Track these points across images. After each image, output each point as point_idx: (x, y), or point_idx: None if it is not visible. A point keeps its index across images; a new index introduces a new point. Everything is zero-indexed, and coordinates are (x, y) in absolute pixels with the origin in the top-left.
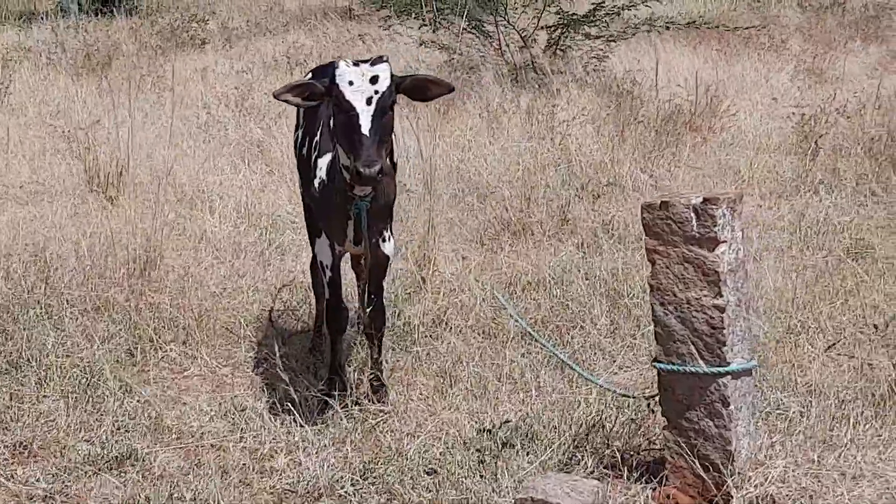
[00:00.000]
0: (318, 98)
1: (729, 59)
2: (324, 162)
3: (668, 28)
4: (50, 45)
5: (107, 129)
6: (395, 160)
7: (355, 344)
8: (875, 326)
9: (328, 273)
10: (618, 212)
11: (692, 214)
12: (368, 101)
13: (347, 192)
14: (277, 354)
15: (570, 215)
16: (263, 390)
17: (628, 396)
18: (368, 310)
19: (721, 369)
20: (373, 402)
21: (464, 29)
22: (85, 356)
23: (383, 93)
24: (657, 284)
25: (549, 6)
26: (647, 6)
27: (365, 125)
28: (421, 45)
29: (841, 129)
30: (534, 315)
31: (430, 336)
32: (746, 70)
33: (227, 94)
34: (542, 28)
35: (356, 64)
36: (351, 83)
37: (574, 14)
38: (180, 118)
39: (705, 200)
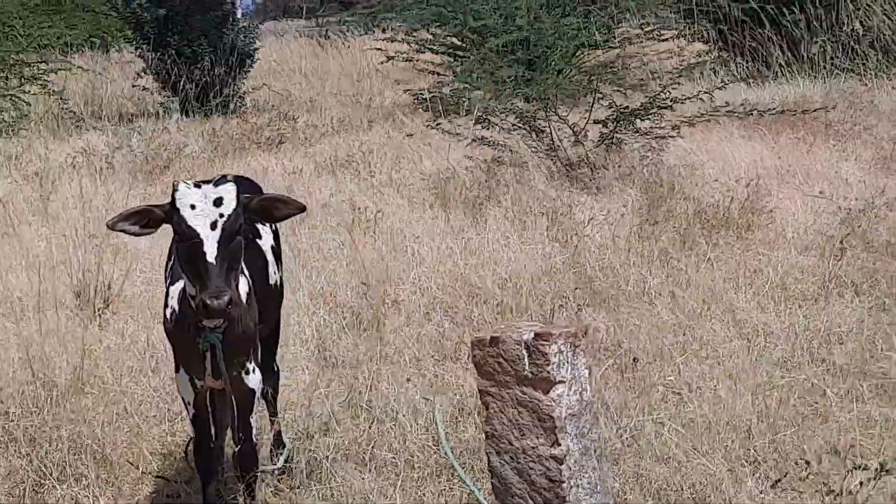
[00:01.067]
0: (157, 224)
1: (798, 146)
2: (175, 290)
3: (749, 114)
4: (113, 147)
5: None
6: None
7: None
8: (807, 462)
9: (191, 410)
10: (608, 323)
11: (524, 352)
12: (213, 226)
13: (197, 323)
14: None
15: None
16: None
17: None
18: (236, 450)
19: None
20: None
21: (513, 125)
22: None
23: (229, 216)
24: (491, 431)
25: (599, 101)
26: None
27: (210, 252)
28: (472, 142)
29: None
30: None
31: (341, 472)
32: (814, 160)
33: None
34: (595, 122)
35: (197, 185)
36: (193, 206)
37: (627, 107)
38: None
39: (537, 336)
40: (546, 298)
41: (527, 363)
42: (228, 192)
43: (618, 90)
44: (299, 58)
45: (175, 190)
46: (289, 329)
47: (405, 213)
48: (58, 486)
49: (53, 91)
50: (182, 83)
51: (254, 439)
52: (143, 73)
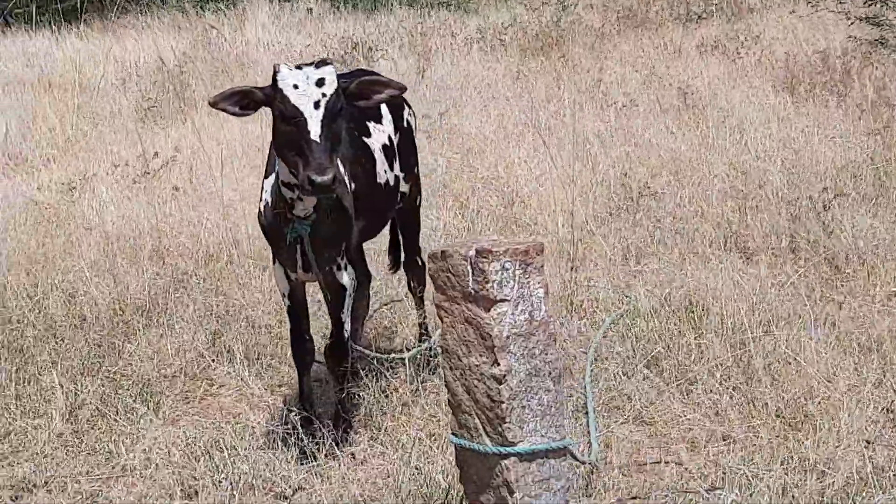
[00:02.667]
0: (256, 106)
1: None
2: (268, 183)
3: None
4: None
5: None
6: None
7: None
8: None
9: (286, 301)
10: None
11: (469, 268)
12: (316, 105)
13: (286, 213)
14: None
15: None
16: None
17: None
18: (327, 344)
19: (501, 449)
20: (337, 442)
21: None
22: None
23: (331, 96)
24: (445, 346)
25: None
26: None
27: (314, 130)
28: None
29: None
30: None
31: None
32: None
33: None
34: None
35: (299, 67)
36: (296, 86)
37: None
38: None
39: (478, 253)
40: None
41: (470, 280)
42: (329, 73)
43: None
44: None
45: (276, 72)
46: None
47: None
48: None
49: None
50: None
51: (345, 334)
52: None
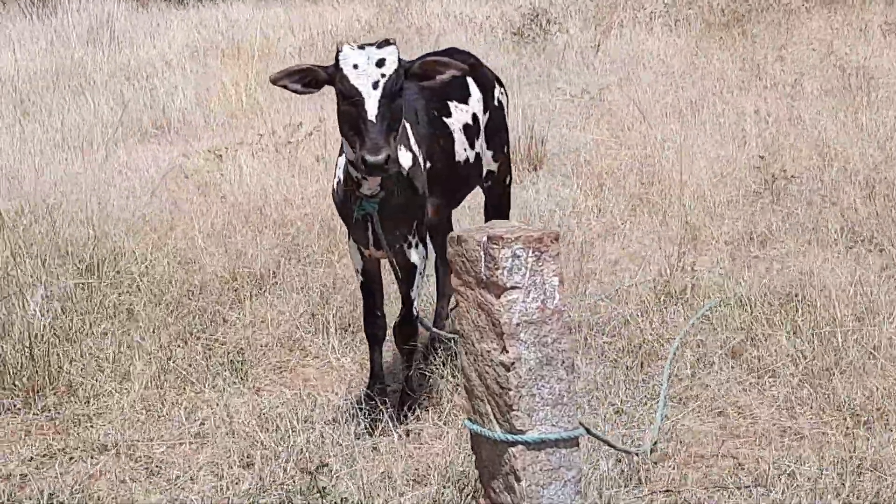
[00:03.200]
0: (319, 84)
1: None
2: (342, 161)
3: None
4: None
5: None
6: (422, 157)
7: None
8: None
9: (359, 277)
10: None
11: (482, 253)
12: (375, 86)
13: (355, 190)
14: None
15: None
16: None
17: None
18: (396, 321)
19: (509, 437)
20: (394, 419)
21: None
22: None
23: (391, 76)
24: (461, 330)
25: None
26: None
27: (371, 111)
28: None
29: None
30: None
31: None
32: None
33: None
34: None
35: (361, 47)
36: (356, 66)
37: None
38: None
39: (489, 239)
40: None
41: (483, 265)
42: (390, 53)
43: None
44: None
45: (339, 51)
46: None
47: None
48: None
49: None
50: None
51: (413, 312)
52: None
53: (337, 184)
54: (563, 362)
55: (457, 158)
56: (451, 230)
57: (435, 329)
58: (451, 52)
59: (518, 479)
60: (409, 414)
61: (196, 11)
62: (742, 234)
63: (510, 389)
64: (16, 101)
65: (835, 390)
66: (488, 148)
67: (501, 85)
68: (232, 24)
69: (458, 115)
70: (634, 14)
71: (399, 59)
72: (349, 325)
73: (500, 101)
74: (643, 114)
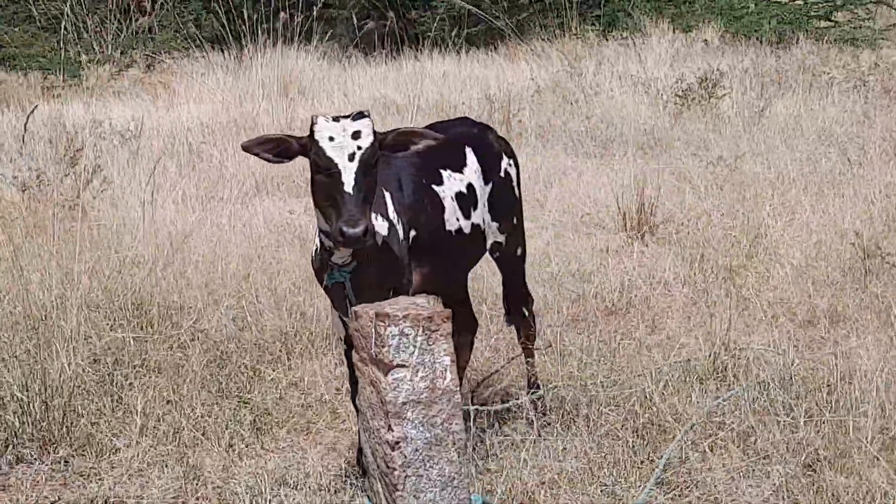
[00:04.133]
0: (292, 155)
1: None
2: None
3: None
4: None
5: None
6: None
7: None
8: None
9: (342, 345)
10: None
11: (372, 330)
12: (351, 158)
13: (328, 260)
14: None
15: None
16: None
17: None
18: None
19: None
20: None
21: None
22: None
23: (367, 149)
24: (360, 406)
25: None
26: None
27: (348, 182)
28: None
29: None
30: None
31: None
32: None
33: None
34: None
35: (336, 119)
36: (331, 139)
37: None
38: None
39: (377, 316)
40: None
41: (372, 342)
42: (365, 126)
43: None
44: None
45: (314, 123)
46: None
47: None
48: None
49: None
50: None
51: None
52: None
53: (315, 251)
54: (455, 444)
55: (447, 227)
56: (469, 304)
57: None
58: (463, 121)
59: None
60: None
61: (396, 65)
62: (821, 313)
63: (395, 469)
64: (183, 151)
65: (825, 483)
66: (493, 220)
67: (510, 157)
68: (419, 79)
69: (451, 184)
70: (812, 78)
71: (374, 131)
72: None
73: (506, 172)
74: (772, 181)
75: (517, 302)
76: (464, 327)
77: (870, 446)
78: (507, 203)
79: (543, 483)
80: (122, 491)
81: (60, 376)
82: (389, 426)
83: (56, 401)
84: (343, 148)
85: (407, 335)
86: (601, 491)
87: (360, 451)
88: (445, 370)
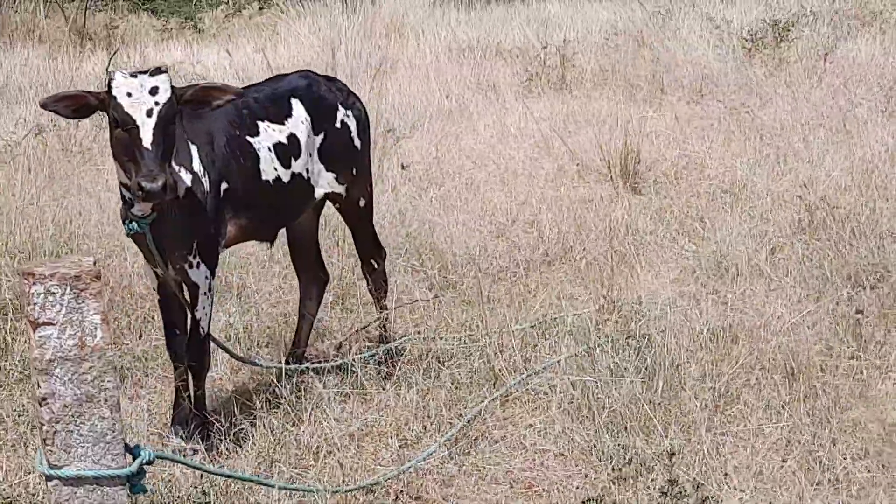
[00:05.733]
0: (90, 111)
1: None
2: None
3: None
4: None
5: None
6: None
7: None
8: None
9: (156, 295)
10: None
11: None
12: (149, 114)
13: (128, 210)
14: None
15: None
16: None
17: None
18: (185, 340)
19: (48, 471)
20: (185, 438)
21: None
22: None
23: (164, 105)
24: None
25: None
26: None
27: (146, 138)
28: None
29: None
30: None
31: None
32: None
33: None
34: None
35: (133, 75)
36: (129, 94)
37: None
38: None
39: (23, 275)
40: None
41: (25, 301)
42: (163, 82)
43: None
44: None
45: (111, 79)
46: None
47: None
48: None
49: None
50: None
51: (200, 332)
52: None
53: (120, 203)
54: (107, 401)
55: (263, 177)
56: (320, 257)
57: (227, 348)
58: (303, 74)
59: None
60: (197, 436)
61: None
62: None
63: (44, 424)
64: None
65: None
66: (328, 170)
67: (349, 108)
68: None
69: (268, 135)
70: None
71: (172, 87)
72: None
73: (343, 123)
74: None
75: (366, 254)
76: (311, 279)
77: None
78: (344, 154)
79: (352, 436)
80: None
81: None
82: (38, 382)
83: None
84: (142, 104)
85: (53, 293)
86: (399, 445)
87: (175, 401)
88: (96, 328)
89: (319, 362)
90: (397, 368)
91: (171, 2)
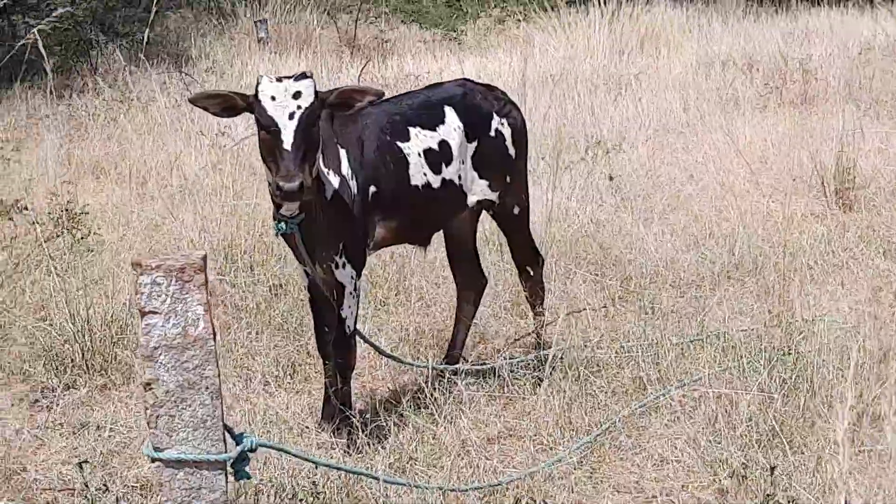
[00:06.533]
0: (236, 111)
1: None
2: None
3: None
4: None
5: None
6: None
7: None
8: None
9: (307, 293)
10: None
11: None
12: (291, 117)
13: (277, 210)
14: None
15: None
16: None
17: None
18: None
19: (151, 453)
20: (330, 433)
21: None
22: None
23: (306, 108)
24: None
25: None
26: None
27: (287, 140)
28: None
29: None
30: None
31: None
32: None
33: None
34: None
35: (279, 80)
36: (273, 98)
37: None
38: None
39: (134, 265)
40: None
41: (135, 290)
42: (307, 86)
43: None
44: None
45: (258, 83)
46: None
47: None
48: None
49: None
50: None
51: (346, 330)
52: None
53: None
54: (208, 388)
55: (412, 182)
56: (478, 261)
57: (375, 344)
58: (460, 83)
59: (161, 492)
60: (342, 431)
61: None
62: None
63: (148, 409)
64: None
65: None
66: (481, 177)
67: (506, 116)
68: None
69: (419, 141)
70: None
71: (315, 91)
72: None
73: (498, 131)
74: None
75: (522, 261)
76: (468, 284)
77: None
78: (498, 161)
79: (490, 438)
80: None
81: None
82: (143, 368)
83: (99, 334)
84: (284, 107)
85: (159, 284)
86: (536, 450)
87: (326, 397)
88: (199, 319)
89: (472, 365)
90: (547, 374)
91: (435, 14)
